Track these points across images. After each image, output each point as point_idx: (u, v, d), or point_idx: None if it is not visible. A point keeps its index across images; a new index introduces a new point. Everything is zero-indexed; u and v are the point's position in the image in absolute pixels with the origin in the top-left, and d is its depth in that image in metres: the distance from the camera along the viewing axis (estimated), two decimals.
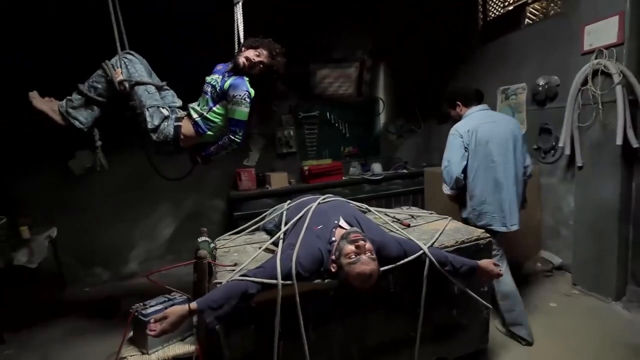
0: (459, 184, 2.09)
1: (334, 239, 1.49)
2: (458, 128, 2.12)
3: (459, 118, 2.24)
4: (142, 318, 1.56)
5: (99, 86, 1.99)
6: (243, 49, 2.10)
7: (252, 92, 2.05)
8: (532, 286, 2.84)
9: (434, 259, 1.51)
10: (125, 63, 1.95)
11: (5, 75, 3.01)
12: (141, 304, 1.65)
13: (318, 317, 1.51)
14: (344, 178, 4.08)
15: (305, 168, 4.01)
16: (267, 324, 1.40)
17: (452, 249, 1.71)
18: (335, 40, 4.16)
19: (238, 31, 2.19)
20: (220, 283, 1.43)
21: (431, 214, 2.24)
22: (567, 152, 2.70)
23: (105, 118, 2.19)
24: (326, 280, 1.45)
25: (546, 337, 2.17)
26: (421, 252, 1.53)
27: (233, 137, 2.06)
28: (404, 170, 4.34)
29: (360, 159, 4.44)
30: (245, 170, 3.81)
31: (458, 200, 2.22)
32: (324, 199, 1.83)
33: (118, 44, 1.94)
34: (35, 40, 3.15)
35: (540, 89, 3.04)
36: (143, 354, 1.56)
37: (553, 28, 3.00)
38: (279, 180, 3.84)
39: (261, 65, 2.06)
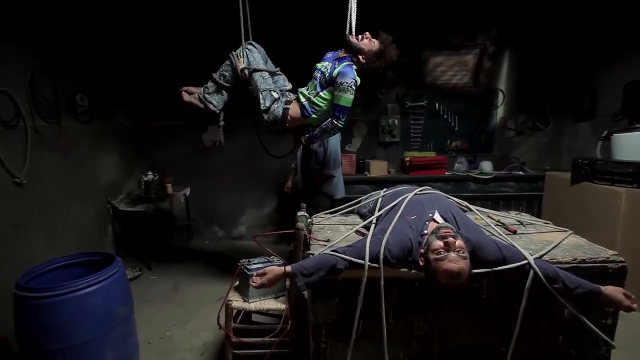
0: None
1: (426, 231, 1.46)
2: None
3: None
4: (247, 272, 1.83)
5: (227, 74, 2.33)
6: (358, 37, 2.18)
7: (359, 80, 2.13)
8: None
9: (539, 272, 1.34)
10: (246, 53, 2.24)
11: (163, 78, 3.77)
12: (247, 260, 1.93)
13: (400, 306, 1.52)
14: (447, 173, 3.85)
15: (407, 159, 3.91)
16: (351, 300, 1.48)
17: (566, 266, 1.47)
18: (453, 25, 3.87)
19: (350, 18, 2.25)
20: (312, 254, 1.56)
21: (546, 223, 1.96)
22: None
23: (231, 102, 2.57)
24: (412, 271, 1.44)
25: None
26: (525, 261, 1.37)
27: (336, 122, 2.18)
28: (520, 172, 3.84)
29: (469, 155, 4.10)
30: (346, 155, 3.94)
31: None
32: (421, 190, 1.79)
33: (243, 36, 2.23)
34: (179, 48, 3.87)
35: None
36: (244, 301, 1.83)
37: None
38: (378, 168, 3.85)
39: (372, 54, 2.11)
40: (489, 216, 1.98)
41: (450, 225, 1.41)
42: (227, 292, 1.91)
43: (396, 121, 4.04)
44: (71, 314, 1.53)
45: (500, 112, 4.08)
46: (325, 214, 2.31)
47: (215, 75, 2.40)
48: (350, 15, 2.25)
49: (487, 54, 3.93)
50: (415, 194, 1.73)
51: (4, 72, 2.33)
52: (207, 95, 2.44)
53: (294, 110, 2.25)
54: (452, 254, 1.28)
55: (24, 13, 2.51)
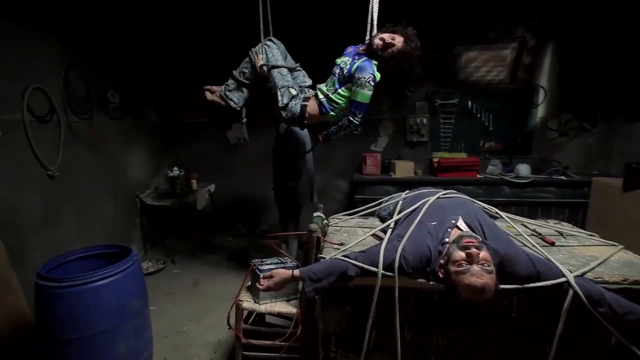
0: None
1: (447, 240, 1.32)
2: None
3: None
4: (258, 272, 1.78)
5: (246, 71, 2.30)
6: (378, 35, 2.07)
7: (378, 76, 2.02)
8: None
9: (581, 293, 1.17)
10: (265, 49, 2.19)
11: (190, 76, 3.83)
12: (259, 260, 1.88)
13: (418, 319, 1.40)
14: (478, 176, 3.61)
15: (435, 160, 3.72)
16: (363, 309, 1.38)
17: (615, 287, 1.28)
18: (488, 17, 3.61)
19: (372, 12, 2.14)
20: (324, 258, 1.48)
21: (592, 235, 1.74)
22: None
23: (252, 99, 2.54)
24: (431, 282, 1.32)
25: None
26: (563, 279, 1.21)
27: (352, 119, 2.09)
28: (562, 177, 3.52)
29: (504, 157, 3.82)
30: (371, 154, 3.81)
31: None
32: (445, 193, 1.65)
33: (262, 33, 2.19)
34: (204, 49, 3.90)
35: None
36: (255, 302, 1.79)
37: None
38: (404, 169, 3.69)
39: (394, 49, 2.00)
40: (523, 225, 1.80)
41: (474, 235, 1.27)
42: (238, 291, 1.87)
43: (424, 120, 3.85)
44: (85, 305, 1.55)
45: (540, 111, 3.77)
46: (344, 214, 2.22)
47: (235, 73, 2.38)
48: (372, 8, 2.13)
49: (526, 47, 3.63)
50: (438, 197, 1.59)
51: (40, 70, 2.44)
52: (227, 93, 2.43)
53: (312, 107, 2.17)
54: (475, 267, 1.15)
55: (59, 13, 2.62)
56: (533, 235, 1.70)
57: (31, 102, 2.34)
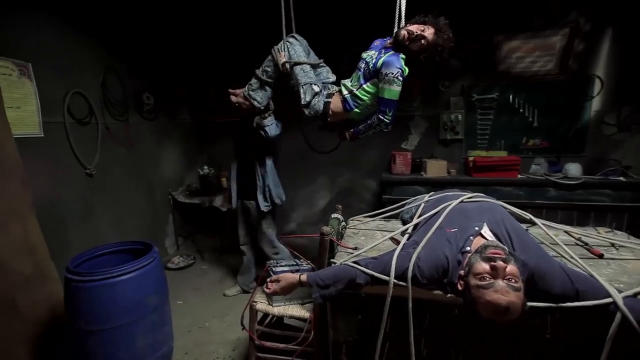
0: None
1: (468, 248, 1.19)
2: None
3: None
4: (272, 274, 1.74)
5: (269, 69, 2.27)
6: (407, 23, 1.94)
7: (406, 70, 1.89)
8: None
9: (631, 317, 0.99)
10: (287, 46, 2.13)
11: (221, 77, 3.89)
12: (274, 261, 1.85)
13: (435, 334, 1.28)
14: (519, 176, 3.30)
15: (471, 159, 3.47)
16: (375, 319, 1.29)
17: None
18: (533, 1, 3.27)
19: (400, 1, 2.01)
20: (334, 263, 1.41)
21: None
22: None
23: (276, 98, 2.51)
24: (449, 295, 1.19)
25: None
26: (609, 300, 1.03)
27: (382, 117, 1.97)
28: (621, 178, 3.11)
29: (550, 155, 3.47)
30: (400, 153, 3.64)
31: None
32: (470, 197, 1.49)
33: (284, 29, 2.14)
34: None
35: None
36: (268, 304, 1.75)
37: None
38: (436, 168, 3.48)
39: (423, 41, 1.86)
40: (568, 233, 1.59)
41: (501, 245, 1.12)
42: (253, 292, 1.85)
43: (460, 116, 3.60)
44: (105, 299, 1.61)
45: (595, 104, 3.36)
46: (365, 216, 2.12)
47: (258, 72, 2.36)
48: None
49: (580, 33, 3.25)
50: (462, 201, 1.44)
51: (79, 75, 2.61)
52: (251, 93, 2.43)
53: (336, 104, 2.09)
54: (500, 283, 1.01)
55: (98, 18, 2.78)
56: (577, 244, 1.50)
57: (71, 106, 2.50)
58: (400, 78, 1.89)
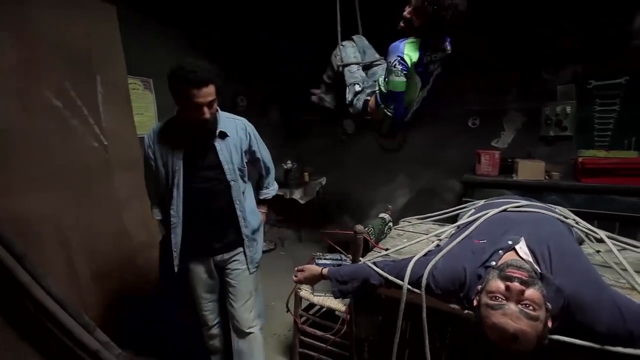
0: None
1: (493, 263, 1.06)
2: None
3: None
4: (316, 265, 1.85)
5: (331, 73, 2.36)
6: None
7: (413, 56, 1.67)
8: None
9: None
10: (340, 50, 2.18)
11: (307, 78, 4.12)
12: (320, 253, 1.96)
13: (457, 347, 1.19)
14: None
15: (580, 160, 2.87)
16: (394, 322, 1.28)
17: None
18: None
19: None
20: (359, 261, 1.43)
21: None
22: None
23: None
24: (466, 311, 1.09)
25: None
26: None
27: (385, 112, 1.87)
28: None
29: None
30: (487, 152, 3.27)
31: None
32: (518, 205, 1.30)
33: (339, 34, 2.19)
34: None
35: None
36: (311, 292, 1.87)
37: None
38: (530, 170, 3.01)
39: (409, 14, 1.65)
40: None
41: (525, 265, 0.97)
42: None
43: (568, 108, 3.01)
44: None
45: None
46: (417, 218, 2.04)
47: (324, 76, 2.49)
48: None
49: None
50: (505, 210, 1.27)
51: None
52: (322, 95, 2.58)
53: (373, 101, 2.07)
54: (512, 307, 0.89)
55: (202, 38, 3.32)
56: None
57: None
58: (400, 66, 1.68)
